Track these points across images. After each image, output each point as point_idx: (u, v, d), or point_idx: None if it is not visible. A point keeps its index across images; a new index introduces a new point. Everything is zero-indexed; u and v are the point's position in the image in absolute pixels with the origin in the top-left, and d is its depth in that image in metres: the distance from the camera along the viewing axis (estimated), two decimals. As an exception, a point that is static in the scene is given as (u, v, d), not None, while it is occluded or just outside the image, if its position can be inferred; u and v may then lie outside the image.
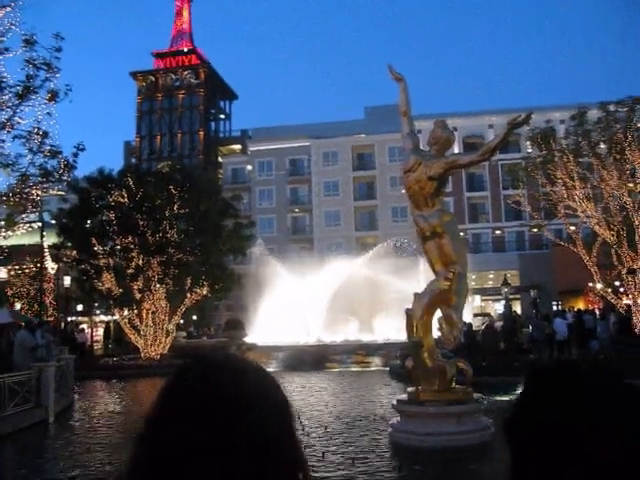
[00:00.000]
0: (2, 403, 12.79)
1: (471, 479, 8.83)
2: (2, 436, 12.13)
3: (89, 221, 32.04)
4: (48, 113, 17.81)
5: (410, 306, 11.26)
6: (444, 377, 10.77)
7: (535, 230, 60.03)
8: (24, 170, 17.69)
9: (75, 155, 19.00)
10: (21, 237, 24.65)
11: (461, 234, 12.77)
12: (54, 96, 17.67)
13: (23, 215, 18.20)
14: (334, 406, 15.92)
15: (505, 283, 38.31)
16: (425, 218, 11.47)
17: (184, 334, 43.35)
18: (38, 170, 18.06)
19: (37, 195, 17.71)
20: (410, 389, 11.37)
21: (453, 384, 10.98)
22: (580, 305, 47.52)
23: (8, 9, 16.62)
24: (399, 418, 11.25)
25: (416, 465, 9.44)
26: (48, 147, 17.46)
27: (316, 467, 9.14)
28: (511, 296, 50.07)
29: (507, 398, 16.37)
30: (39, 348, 15.29)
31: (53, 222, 32.69)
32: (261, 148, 74.00)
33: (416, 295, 11.46)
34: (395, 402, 11.41)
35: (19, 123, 17.20)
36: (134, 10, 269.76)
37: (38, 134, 17.71)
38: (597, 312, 34.80)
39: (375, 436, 11.60)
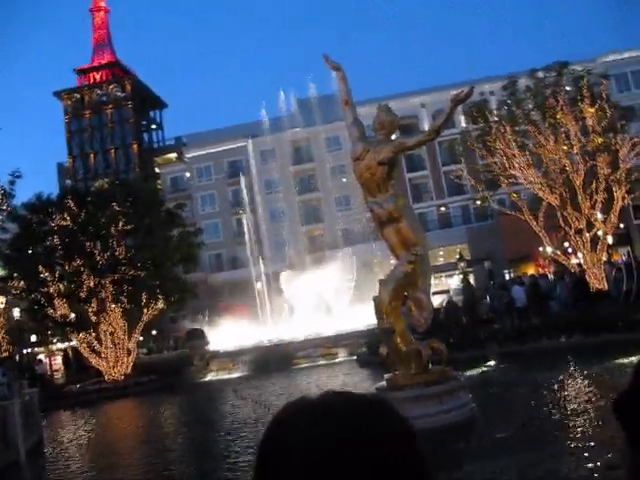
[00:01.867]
0: (-31, 448, 12.30)
1: (460, 458, 8.79)
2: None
3: (33, 249, 31.16)
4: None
5: (376, 294, 11.20)
6: (420, 359, 10.73)
7: (479, 202, 61.04)
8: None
9: (12, 183, 18.42)
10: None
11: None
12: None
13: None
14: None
15: (461, 258, 38.74)
16: (380, 204, 11.39)
17: (145, 350, 42.68)
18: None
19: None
20: (387, 375, 11.31)
21: (429, 365, 10.96)
22: (531, 271, 48.42)
23: None
24: (379, 406, 11.18)
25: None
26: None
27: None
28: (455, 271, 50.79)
29: (479, 371, 16.57)
30: (0, 386, 14.75)
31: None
32: (197, 154, 73.26)
33: (381, 281, 11.40)
34: (374, 390, 11.33)
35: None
36: (51, 27, 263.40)
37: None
38: (549, 275, 35.53)
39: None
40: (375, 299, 11.16)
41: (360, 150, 11.47)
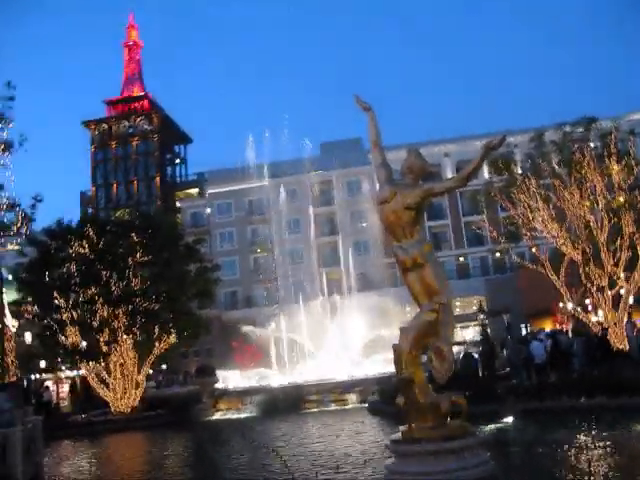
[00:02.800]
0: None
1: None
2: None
3: (50, 274, 31.10)
4: (2, 165, 17.22)
5: (396, 341, 10.84)
6: (438, 412, 10.30)
7: (499, 254, 60.66)
8: (-21, 225, 17.01)
9: (33, 207, 18.38)
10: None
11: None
12: (8, 147, 17.08)
13: (-20, 272, 17.48)
14: (319, 449, 15.35)
15: (480, 309, 38.26)
16: (404, 249, 11.08)
17: (153, 384, 42.23)
18: (-6, 224, 17.37)
19: (-5, 250, 17.03)
20: (403, 427, 10.86)
21: (448, 419, 10.53)
22: (549, 326, 47.75)
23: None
24: (393, 459, 10.74)
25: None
26: (5, 200, 16.80)
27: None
28: (476, 322, 50.15)
29: (496, 427, 16.02)
30: (3, 413, 14.40)
31: (10, 278, 31.68)
32: (219, 190, 73.67)
33: (402, 329, 11.04)
34: (389, 442, 10.88)
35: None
36: (84, 58, 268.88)
37: (-8, 187, 17.07)
38: (567, 332, 34.90)
39: (369, 479, 11.08)
40: (395, 347, 10.80)
41: (387, 193, 11.22)
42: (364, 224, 67.47)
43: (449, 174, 65.64)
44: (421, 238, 11.35)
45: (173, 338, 31.05)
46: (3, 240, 17.50)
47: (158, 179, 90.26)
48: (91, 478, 16.44)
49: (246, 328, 44.21)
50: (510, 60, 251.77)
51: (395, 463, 10.57)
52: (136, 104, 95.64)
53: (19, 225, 17.80)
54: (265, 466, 13.61)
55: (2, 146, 17.14)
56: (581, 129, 30.45)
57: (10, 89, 17.23)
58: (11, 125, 17.46)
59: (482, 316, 37.22)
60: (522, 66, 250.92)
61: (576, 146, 30.00)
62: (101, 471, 17.32)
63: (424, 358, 11.28)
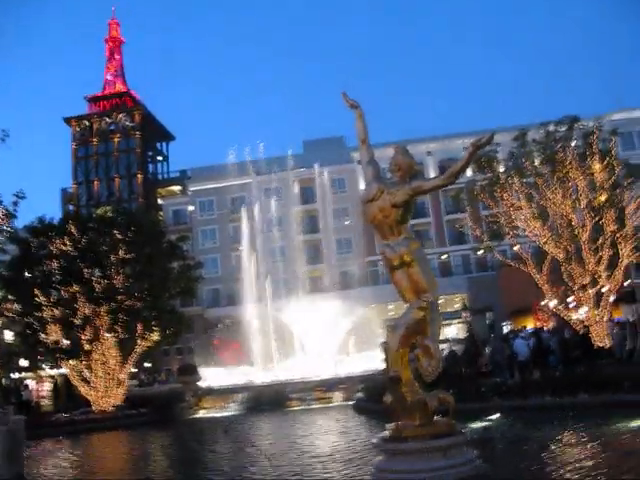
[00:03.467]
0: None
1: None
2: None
3: (31, 272, 30.81)
4: (-17, 162, 16.97)
5: (384, 339, 10.85)
6: (426, 410, 10.31)
7: (480, 253, 60.91)
8: (-41, 223, 16.78)
9: (15, 204, 18.15)
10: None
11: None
12: (-11, 144, 16.86)
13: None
14: (305, 448, 15.30)
15: (465, 307, 38.36)
16: (392, 247, 11.06)
17: (136, 382, 42.01)
18: (-24, 222, 17.14)
19: (-24, 248, 16.80)
20: (390, 425, 10.86)
21: (435, 417, 10.54)
22: (530, 324, 48.01)
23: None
24: (381, 457, 10.72)
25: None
26: (-14, 197, 16.59)
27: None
28: (459, 320, 50.38)
29: (481, 424, 16.06)
30: (-14, 412, 14.24)
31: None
32: (201, 188, 73.40)
33: (389, 327, 11.04)
34: (375, 440, 10.86)
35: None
36: (65, 55, 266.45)
37: (-26, 184, 16.81)
38: (549, 330, 35.10)
39: (357, 477, 11.05)
40: (384, 345, 10.79)
41: (374, 191, 11.18)
42: (347, 222, 67.52)
43: (432, 173, 65.87)
44: (409, 236, 11.32)
45: (156, 336, 30.87)
46: (-16, 237, 17.21)
47: (140, 176, 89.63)
48: (73, 478, 16.28)
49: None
50: (493, 58, 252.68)
51: (383, 461, 10.56)
52: (118, 101, 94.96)
53: (1, 222, 17.54)
54: (250, 464, 13.55)
55: (-18, 143, 16.87)
56: (564, 128, 30.68)
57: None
58: (-7, 121, 17.18)
59: (466, 314, 37.34)
60: (505, 64, 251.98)
61: (559, 145, 30.24)
62: (83, 470, 17.14)
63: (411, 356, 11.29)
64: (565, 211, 29.57)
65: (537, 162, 31.42)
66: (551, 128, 30.75)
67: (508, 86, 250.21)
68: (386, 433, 10.80)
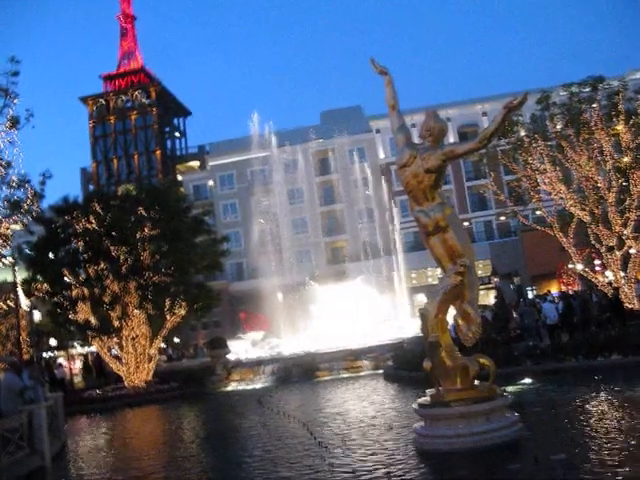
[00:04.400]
0: (-4, 452, 11.95)
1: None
2: (-1, 488, 11.34)
3: (58, 252, 31.05)
4: (10, 141, 17.02)
5: (423, 306, 10.83)
6: (466, 375, 10.33)
7: (503, 218, 60.53)
8: (-11, 204, 16.88)
9: (42, 183, 18.21)
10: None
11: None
12: (15, 123, 16.87)
13: (-5, 251, 17.38)
14: (341, 416, 15.36)
15: (494, 272, 38.20)
16: (426, 213, 11.03)
17: (164, 358, 42.43)
18: (4, 202, 17.24)
19: (7, 229, 16.88)
20: (430, 391, 10.89)
21: (476, 381, 10.55)
22: (554, 288, 47.84)
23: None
24: (422, 422, 10.76)
25: (456, 469, 8.93)
26: (14, 177, 16.64)
27: (352, 486, 8.66)
28: (487, 285, 50.21)
29: (515, 388, 16.04)
30: (27, 390, 14.42)
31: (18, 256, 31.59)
32: (220, 162, 73.35)
33: (428, 293, 11.03)
34: (416, 406, 10.91)
35: (-21, 155, 16.38)
36: (79, 34, 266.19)
37: (0, 165, 16.91)
38: (577, 293, 34.92)
39: (397, 444, 11.08)
40: (422, 311, 10.78)
41: (407, 157, 11.11)
42: (367, 192, 67.30)
43: (451, 139, 65.22)
44: (443, 201, 11.28)
45: (184, 310, 31.06)
46: (16, 218, 17.30)
47: (158, 153, 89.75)
48: (112, 452, 16.52)
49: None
50: (513, 19, 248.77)
51: (424, 426, 10.61)
52: (133, 78, 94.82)
53: (29, 202, 17.61)
54: (289, 436, 13.63)
55: (9, 122, 16.88)
56: (588, 89, 30.17)
57: (14, 64, 16.89)
58: (16, 101, 17.19)
59: (496, 279, 37.14)
60: (525, 25, 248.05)
61: (583, 106, 29.78)
62: (120, 444, 17.38)
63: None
64: (590, 173, 29.19)
65: (561, 124, 30.99)
66: (574, 89, 30.24)
67: (523, 51, 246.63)
68: (426, 398, 10.84)
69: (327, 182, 70.85)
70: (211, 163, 74.96)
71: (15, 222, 17.23)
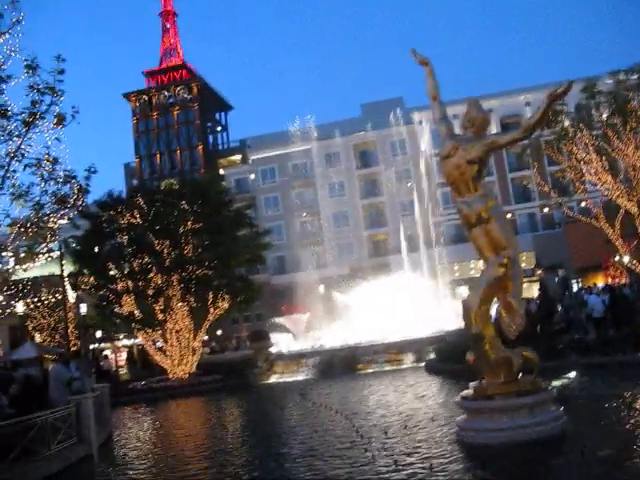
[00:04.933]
0: (46, 441, 12.24)
1: (561, 475, 8.21)
2: (50, 476, 11.59)
3: (103, 246, 31.58)
4: (57, 138, 17.28)
5: (465, 297, 10.74)
6: (510, 368, 10.22)
7: (546, 210, 59.69)
8: (37, 199, 17.17)
9: (87, 179, 18.46)
10: (38, 268, 24.17)
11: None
12: (61, 120, 17.13)
13: (43, 245, 17.69)
14: (383, 409, 15.33)
15: (538, 265, 37.65)
16: (469, 204, 10.92)
17: (207, 350, 42.84)
18: (52, 197, 17.53)
19: (54, 223, 17.19)
20: (474, 383, 10.81)
21: (519, 374, 10.43)
22: (600, 281, 46.92)
23: (7, 36, 16.10)
24: (464, 415, 10.69)
25: (498, 462, 8.85)
26: (61, 173, 16.92)
27: (394, 478, 8.63)
28: (530, 278, 49.49)
29: (560, 382, 15.81)
30: (75, 380, 14.76)
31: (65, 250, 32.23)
32: (262, 156, 73.66)
33: (471, 285, 10.94)
34: (459, 399, 10.84)
35: (28, 151, 16.67)
36: (121, 31, 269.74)
37: (48, 160, 17.18)
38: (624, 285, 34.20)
39: (440, 436, 11.03)
40: (464, 303, 10.69)
41: (449, 148, 11.02)
42: (409, 184, 66.91)
43: (494, 130, 64.39)
44: (485, 192, 11.16)
45: (227, 303, 31.32)
46: (63, 213, 17.61)
47: (200, 147, 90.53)
48: (159, 438, 16.78)
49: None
50: (558, 7, 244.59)
51: (467, 420, 10.54)
52: (175, 74, 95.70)
53: (75, 197, 17.88)
54: (331, 427, 13.66)
55: (55, 120, 17.15)
56: (635, 76, 29.53)
57: (60, 62, 17.15)
58: (62, 98, 17.46)
59: (540, 271, 36.60)
60: (567, 14, 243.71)
61: (630, 94, 29.16)
62: (165, 434, 17.62)
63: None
64: (638, 162, 28.59)
65: (607, 113, 30.39)
66: (622, 77, 29.61)
67: (568, 39, 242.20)
68: (469, 391, 10.76)
69: (368, 175, 70.67)
70: (253, 157, 75.35)
71: (62, 217, 17.51)
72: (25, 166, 16.82)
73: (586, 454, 8.32)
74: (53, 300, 36.02)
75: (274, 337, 35.22)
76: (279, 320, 41.38)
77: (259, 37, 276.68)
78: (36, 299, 38.05)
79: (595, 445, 8.86)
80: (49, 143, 17.19)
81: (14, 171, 16.40)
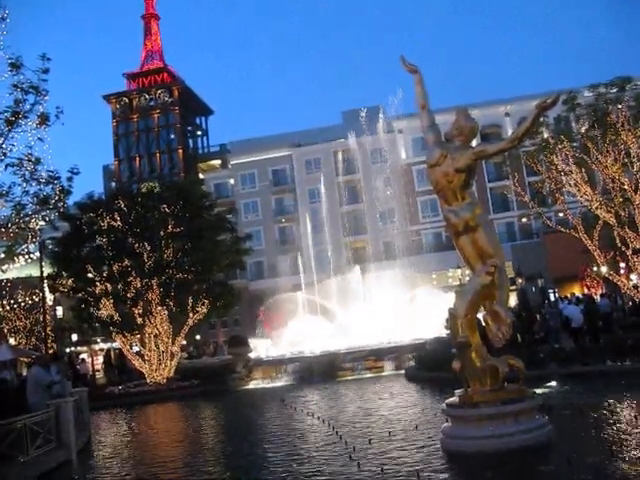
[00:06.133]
0: (25, 446, 12.07)
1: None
2: (28, 481, 11.44)
3: (82, 248, 31.28)
4: (39, 138, 17.11)
5: (452, 305, 10.76)
6: (496, 376, 10.26)
7: (524, 220, 60.11)
8: (18, 199, 16.97)
9: (70, 180, 18.29)
10: (16, 269, 23.89)
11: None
12: (44, 120, 16.97)
13: (23, 246, 17.47)
14: (365, 417, 15.31)
15: (518, 274, 37.90)
16: (456, 213, 10.96)
17: (185, 355, 42.55)
18: (33, 198, 17.34)
19: (36, 224, 17.00)
20: (459, 391, 10.83)
21: (505, 382, 10.47)
22: (577, 291, 47.37)
23: (-10, 34, 15.92)
24: (449, 423, 10.71)
25: (485, 470, 8.87)
26: (43, 173, 16.75)
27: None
28: (512, 287, 49.75)
29: (541, 391, 15.90)
30: (54, 384, 14.56)
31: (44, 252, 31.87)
32: (242, 161, 73.52)
33: (457, 293, 10.97)
34: (444, 406, 10.86)
35: (11, 151, 16.48)
36: (103, 32, 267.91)
37: (30, 161, 17.00)
38: (596, 296, 34.57)
39: (424, 445, 11.03)
40: (450, 311, 10.71)
41: (437, 156, 11.05)
42: (388, 192, 67.13)
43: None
44: (473, 201, 11.20)
45: (206, 308, 31.16)
46: (44, 214, 17.42)
47: (180, 151, 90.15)
48: (137, 443, 16.62)
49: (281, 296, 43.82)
50: (537, 20, 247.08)
51: (452, 427, 10.55)
52: (156, 77, 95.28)
53: (57, 199, 17.71)
54: (314, 434, 13.62)
55: (39, 119, 16.99)
56: (615, 90, 29.83)
57: (44, 61, 17.00)
58: (46, 98, 17.30)
59: (520, 280, 36.84)
60: (548, 26, 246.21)
61: (610, 107, 29.44)
62: (143, 439, 17.48)
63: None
64: (617, 174, 28.87)
65: (586, 125, 30.67)
66: (602, 90, 29.91)
67: (547, 52, 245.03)
68: (455, 399, 10.78)
69: (348, 182, 70.77)
70: (232, 162, 75.19)
71: (43, 218, 17.33)
72: (7, 166, 16.63)
73: (573, 461, 8.35)
74: (30, 302, 35.57)
75: (253, 342, 35.10)
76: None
77: (241, 43, 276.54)
78: (12, 301, 37.57)
79: (581, 453, 8.92)
80: (32, 143, 17.02)
81: (-5, 171, 16.23)
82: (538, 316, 27.92)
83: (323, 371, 28.04)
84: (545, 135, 31.79)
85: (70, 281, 30.68)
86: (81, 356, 39.85)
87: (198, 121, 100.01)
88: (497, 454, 9.38)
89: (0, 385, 16.68)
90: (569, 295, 36.49)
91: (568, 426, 11.38)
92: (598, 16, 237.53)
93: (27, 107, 16.66)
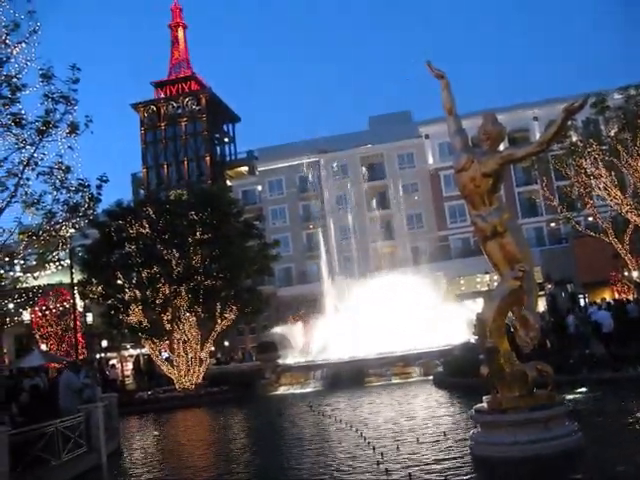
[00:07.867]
0: (57, 450, 12.22)
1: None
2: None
3: (112, 255, 31.60)
4: (69, 147, 17.34)
5: (480, 310, 10.70)
6: (525, 381, 10.17)
7: (553, 224, 59.57)
8: (49, 207, 17.22)
9: (99, 188, 18.50)
10: (47, 277, 24.19)
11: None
12: (74, 129, 17.20)
13: (54, 253, 17.73)
14: (394, 423, 15.25)
15: (548, 279, 37.55)
16: (483, 218, 10.90)
17: (214, 361, 42.76)
18: (63, 206, 17.57)
19: (66, 232, 17.23)
20: (487, 397, 10.75)
21: (534, 388, 10.37)
22: (607, 296, 46.74)
23: (23, 45, 16.19)
24: (478, 429, 10.63)
25: (514, 477, 8.80)
26: (74, 182, 16.97)
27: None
28: (541, 292, 49.30)
29: (571, 397, 15.71)
30: (85, 389, 14.74)
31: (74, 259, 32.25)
32: (269, 168, 73.73)
33: (486, 298, 10.91)
34: (473, 412, 10.79)
35: (42, 159, 16.73)
36: (132, 42, 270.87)
37: (61, 169, 17.24)
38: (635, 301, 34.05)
39: (453, 451, 10.97)
40: (478, 316, 10.66)
41: (464, 161, 11.01)
42: (416, 197, 66.99)
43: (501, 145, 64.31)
44: (500, 206, 11.15)
45: (234, 314, 31.29)
46: (74, 221, 17.63)
47: (208, 159, 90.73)
48: (167, 448, 16.73)
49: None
50: (564, 23, 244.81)
51: (481, 433, 10.48)
52: (184, 85, 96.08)
53: (87, 206, 17.93)
54: (342, 440, 13.60)
55: (69, 128, 17.22)
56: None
57: (74, 71, 17.25)
58: (76, 107, 17.53)
59: (550, 286, 36.49)
60: (577, 29, 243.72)
61: (640, 110, 29.21)
62: (172, 446, 17.57)
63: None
64: (647, 177, 28.61)
65: (616, 128, 30.40)
66: (632, 92, 29.64)
67: (575, 55, 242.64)
68: (483, 405, 10.71)
69: (376, 188, 70.69)
70: (260, 168, 75.45)
71: (73, 226, 17.55)
72: (38, 174, 16.87)
73: (604, 470, 8.25)
74: (61, 308, 36.01)
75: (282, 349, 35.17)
76: (278, 330, 41.26)
77: (268, 49, 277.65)
78: (44, 307, 38.07)
79: (611, 460, 8.81)
80: (62, 152, 17.24)
81: (27, 179, 16.46)
82: (569, 321, 27.64)
83: (351, 377, 27.96)
84: (574, 138, 31.59)
85: (100, 288, 30.98)
86: (111, 362, 40.22)
87: (225, 128, 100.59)
88: (526, 461, 9.30)
89: (33, 391, 16.90)
90: (599, 300, 36.03)
91: (598, 433, 11.24)
92: (635, 17, 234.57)
93: (57, 116, 16.87)
